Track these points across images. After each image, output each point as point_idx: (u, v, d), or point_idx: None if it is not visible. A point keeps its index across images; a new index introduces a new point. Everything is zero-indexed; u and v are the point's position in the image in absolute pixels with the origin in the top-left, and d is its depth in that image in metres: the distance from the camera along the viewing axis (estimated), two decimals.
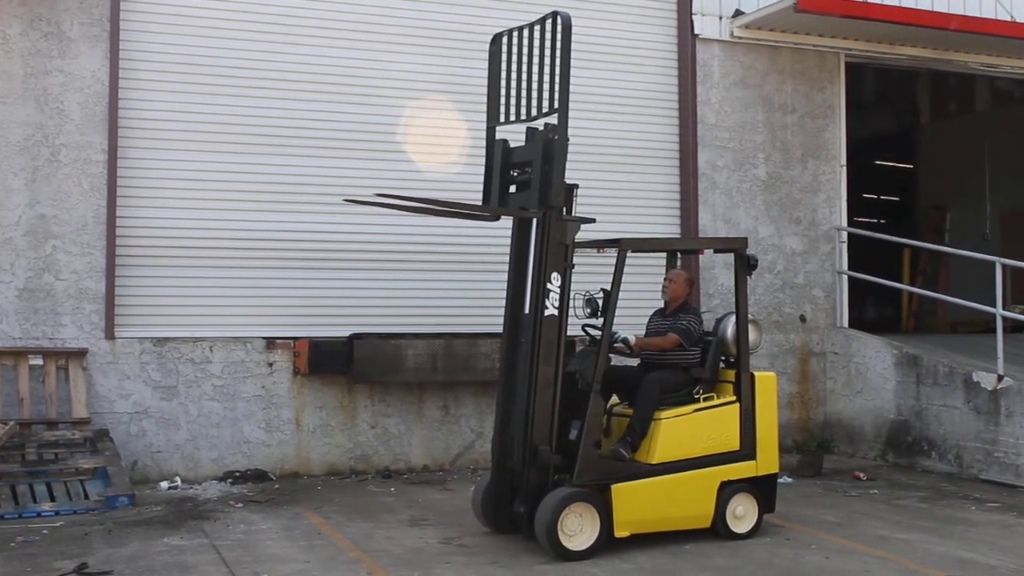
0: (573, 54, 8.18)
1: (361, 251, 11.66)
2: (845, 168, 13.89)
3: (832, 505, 10.02)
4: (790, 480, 11.14)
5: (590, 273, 8.85)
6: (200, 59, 11.19)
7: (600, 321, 8.31)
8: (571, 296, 8.19)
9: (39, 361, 10.44)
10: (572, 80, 8.15)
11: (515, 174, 8.55)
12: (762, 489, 8.67)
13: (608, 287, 8.26)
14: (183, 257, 11.07)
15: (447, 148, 11.74)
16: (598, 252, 8.86)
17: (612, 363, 8.45)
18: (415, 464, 11.79)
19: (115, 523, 8.88)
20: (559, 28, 8.12)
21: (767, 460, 8.70)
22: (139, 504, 9.60)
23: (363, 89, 11.74)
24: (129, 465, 10.54)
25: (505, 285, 8.57)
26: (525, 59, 8.50)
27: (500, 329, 8.63)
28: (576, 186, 8.31)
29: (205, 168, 11.18)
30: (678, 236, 12.95)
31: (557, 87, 8.12)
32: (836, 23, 13.13)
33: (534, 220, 8.26)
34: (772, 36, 13.47)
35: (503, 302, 8.58)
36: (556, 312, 8.07)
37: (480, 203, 8.84)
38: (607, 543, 7.88)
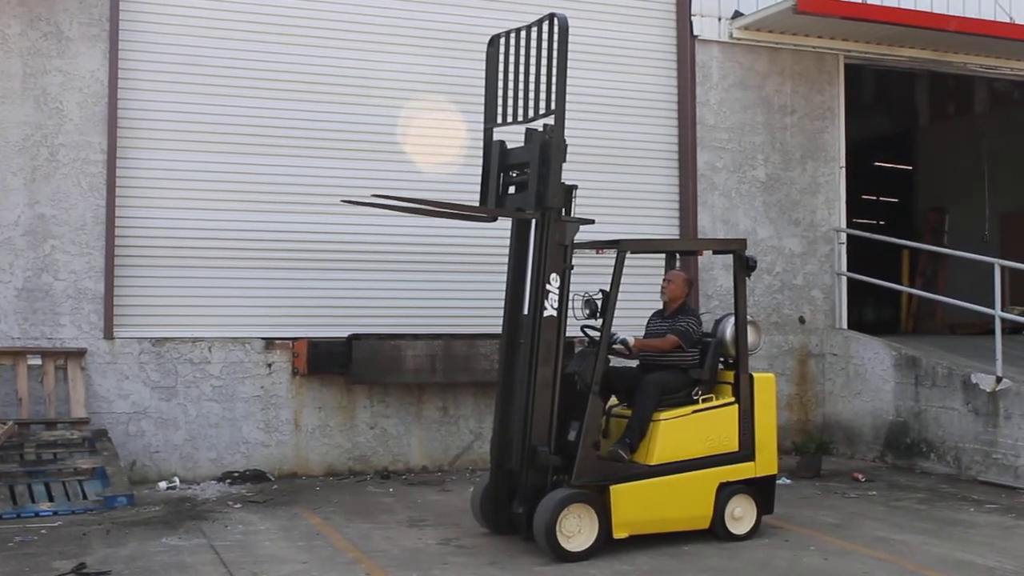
0: (572, 55, 8.19)
1: (360, 251, 11.66)
2: (844, 169, 13.90)
3: (831, 506, 10.02)
4: (789, 481, 11.14)
5: (589, 274, 8.85)
6: (199, 59, 11.20)
7: (599, 322, 8.31)
8: (570, 297, 8.19)
9: (38, 361, 10.44)
10: (571, 81, 8.16)
11: (514, 175, 8.55)
12: (761, 490, 8.67)
13: (607, 288, 8.27)
14: (182, 257, 11.07)
15: (445, 148, 11.75)
16: (597, 253, 8.86)
17: (611, 364, 8.45)
18: (414, 465, 11.79)
19: (113, 523, 8.87)
20: (556, 30, 8.13)
21: (766, 461, 8.70)
22: (137, 504, 9.59)
23: (361, 89, 11.74)
24: (127, 465, 10.53)
25: (504, 286, 8.57)
26: (522, 61, 8.50)
27: (499, 330, 8.63)
28: (575, 187, 8.30)
29: (204, 168, 11.18)
30: (677, 237, 12.95)
31: (554, 88, 8.13)
32: (835, 24, 13.13)
33: (533, 221, 8.27)
34: (771, 37, 13.48)
35: (502, 303, 8.58)
36: (555, 313, 8.07)
37: (477, 204, 8.84)
38: (606, 544, 7.88)
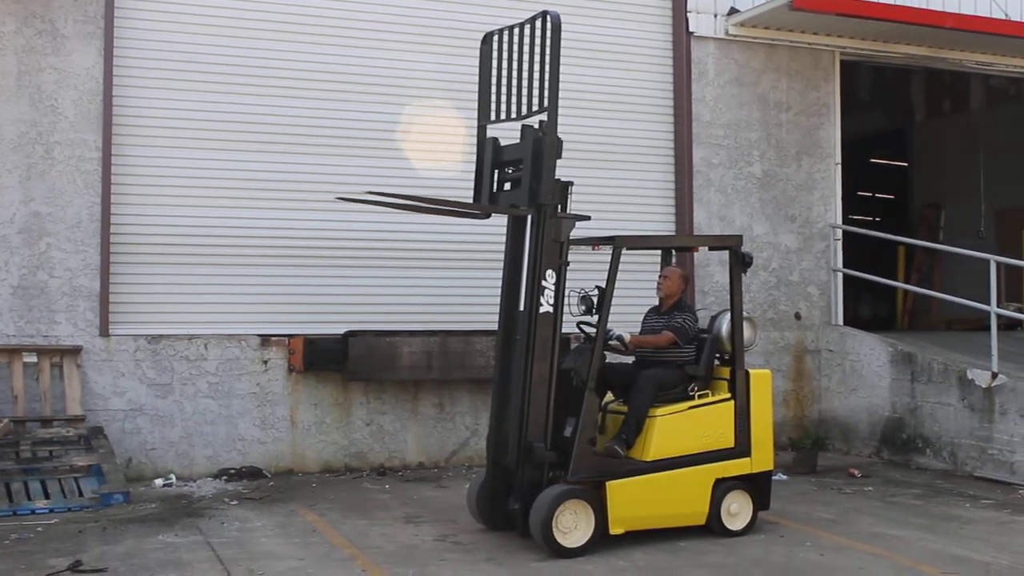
0: (568, 52, 8.21)
1: (356, 248, 11.66)
2: (840, 166, 13.91)
3: (827, 502, 10.03)
4: (785, 477, 11.16)
5: (585, 270, 8.85)
6: (194, 56, 11.18)
7: (595, 318, 8.32)
8: (566, 293, 8.20)
9: (33, 358, 10.42)
10: (567, 78, 8.18)
11: (510, 171, 8.56)
12: (757, 486, 8.68)
13: (603, 284, 8.27)
14: (178, 254, 11.06)
15: (440, 145, 11.76)
16: (593, 249, 8.85)
17: (607, 360, 8.45)
18: (410, 461, 11.79)
19: (109, 520, 8.86)
20: (549, 27, 8.15)
21: (762, 457, 8.71)
22: (133, 501, 9.58)
23: (356, 86, 11.74)
24: (123, 462, 10.53)
25: (500, 282, 8.57)
26: (516, 58, 8.52)
27: (495, 326, 8.62)
28: (571, 183, 8.30)
29: (199, 165, 11.17)
30: (673, 234, 12.95)
31: (547, 85, 8.14)
32: (831, 21, 13.14)
33: (529, 217, 8.27)
34: (767, 34, 13.48)
35: (498, 299, 8.58)
36: (551, 309, 8.07)
37: (472, 200, 8.85)
38: (602, 540, 7.89)
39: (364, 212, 10.84)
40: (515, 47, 8.54)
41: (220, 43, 11.29)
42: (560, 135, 8.15)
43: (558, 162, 8.16)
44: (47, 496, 9.48)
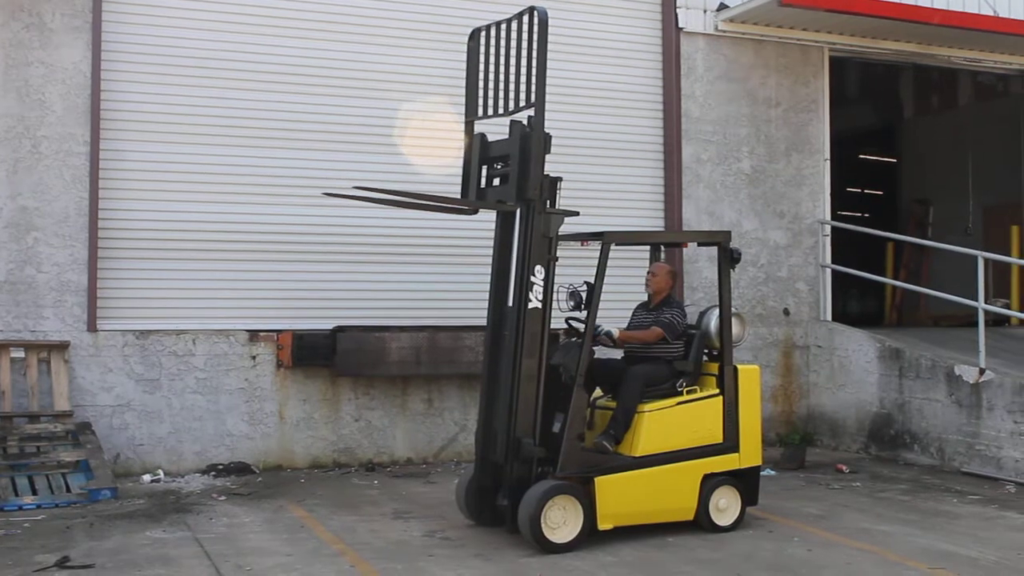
0: (556, 48, 8.22)
1: (344, 243, 11.64)
2: (828, 162, 13.93)
3: (815, 498, 10.05)
4: (773, 473, 11.18)
5: (574, 266, 8.85)
6: (182, 51, 11.15)
7: (583, 314, 8.32)
8: (555, 289, 8.20)
9: (21, 354, 10.39)
10: (556, 74, 8.20)
11: (498, 167, 8.56)
12: (745, 482, 8.69)
13: (592, 280, 8.27)
14: (166, 249, 11.03)
15: (428, 141, 11.72)
16: (582, 245, 8.87)
17: (595, 356, 8.46)
18: (399, 457, 11.78)
19: (97, 516, 8.85)
20: (536, 23, 8.16)
21: (750, 453, 8.72)
22: (121, 497, 9.58)
23: (345, 82, 11.72)
24: (111, 458, 10.51)
25: (489, 278, 8.57)
26: (503, 54, 8.52)
27: (484, 322, 8.62)
28: (560, 179, 8.30)
29: (188, 160, 11.14)
30: (662, 229, 12.96)
31: (535, 81, 8.14)
32: (820, 17, 13.16)
33: (518, 213, 8.27)
34: (756, 30, 13.49)
35: (487, 295, 8.58)
36: (540, 305, 8.07)
37: (460, 196, 8.84)
38: (590, 536, 7.89)
39: (352, 207, 10.79)
40: (502, 43, 8.54)
41: (208, 38, 11.26)
42: (548, 131, 8.16)
43: (546, 158, 8.16)
44: (34, 492, 9.46)
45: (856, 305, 19.10)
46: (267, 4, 11.49)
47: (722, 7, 13.27)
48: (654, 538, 8.17)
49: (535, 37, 8.16)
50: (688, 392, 8.60)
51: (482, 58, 8.76)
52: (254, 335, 11.27)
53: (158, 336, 10.94)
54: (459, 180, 8.80)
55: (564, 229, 8.29)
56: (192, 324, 11.11)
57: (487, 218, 8.91)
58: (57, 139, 10.64)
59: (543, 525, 7.72)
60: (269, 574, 7.20)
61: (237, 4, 11.38)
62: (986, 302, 11.88)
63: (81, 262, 10.67)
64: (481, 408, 8.53)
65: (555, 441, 8.05)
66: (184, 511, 9.16)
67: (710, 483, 8.48)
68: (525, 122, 8.23)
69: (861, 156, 21.71)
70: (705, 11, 13.27)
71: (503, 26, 8.58)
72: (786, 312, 13.55)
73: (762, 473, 9.12)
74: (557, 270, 8.20)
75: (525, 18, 8.32)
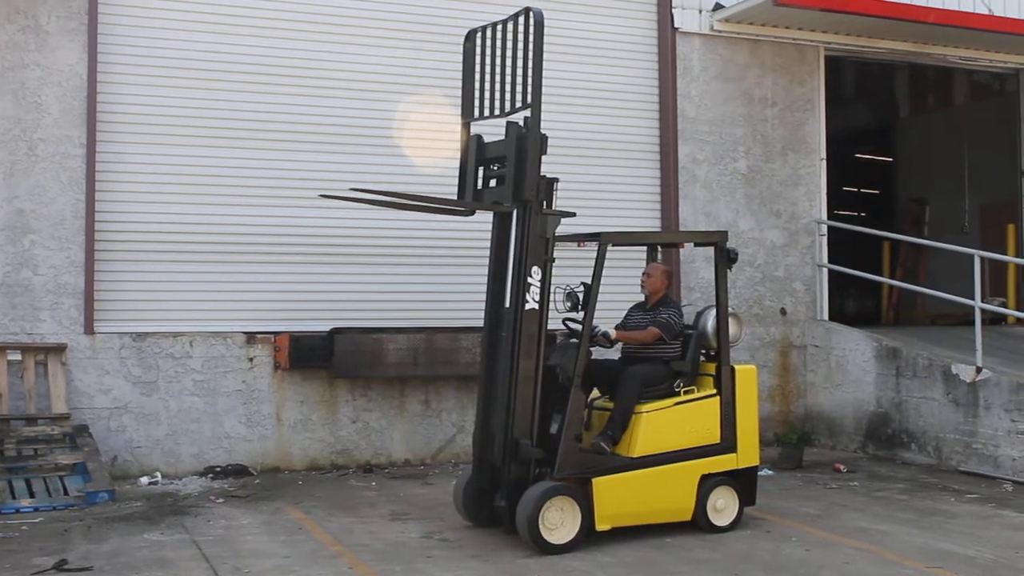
0: (552, 48, 8.23)
1: (341, 245, 11.64)
2: (825, 161, 13.94)
3: (812, 497, 10.06)
4: (771, 473, 11.19)
5: (570, 267, 8.85)
6: (179, 53, 11.14)
7: (580, 315, 8.32)
8: (551, 290, 8.20)
9: (17, 356, 10.39)
10: (552, 74, 8.20)
11: (495, 168, 8.56)
12: (743, 482, 8.69)
13: (588, 281, 8.28)
14: (162, 251, 11.02)
15: (424, 142, 11.72)
16: (578, 246, 8.88)
17: (593, 357, 8.46)
18: (396, 458, 11.78)
19: (95, 519, 8.84)
20: (532, 24, 8.16)
21: (748, 453, 8.73)
22: (119, 500, 9.57)
23: (341, 83, 11.72)
24: (109, 461, 10.50)
25: (486, 279, 8.57)
26: (499, 55, 8.52)
27: (481, 323, 8.62)
28: (557, 180, 8.31)
29: (184, 162, 11.13)
30: (659, 230, 12.96)
31: (530, 82, 8.14)
32: (816, 17, 13.17)
33: (514, 214, 8.27)
34: (752, 30, 13.50)
35: (484, 296, 8.57)
36: (536, 306, 8.07)
37: (456, 197, 8.84)
38: (588, 537, 7.90)
39: (349, 209, 10.80)
40: (498, 44, 8.54)
41: (205, 40, 11.26)
42: (545, 131, 8.16)
43: (543, 158, 8.16)
44: (32, 495, 9.45)
45: (853, 304, 19.08)
46: (264, 7, 11.48)
47: (717, 7, 13.27)
48: (652, 539, 8.17)
49: (531, 38, 8.17)
50: (685, 392, 8.61)
51: (478, 59, 8.77)
52: (251, 337, 11.27)
53: (155, 338, 10.94)
54: (455, 181, 8.80)
55: (561, 230, 8.29)
56: (189, 326, 11.10)
57: (484, 219, 8.90)
58: (53, 141, 10.64)
59: (541, 526, 7.72)
60: None
61: (234, 7, 11.37)
62: (983, 301, 11.88)
63: (78, 264, 10.66)
64: (479, 409, 8.53)
65: (553, 442, 8.04)
66: (182, 513, 9.15)
67: (708, 483, 8.48)
68: (521, 123, 8.23)
69: (857, 155, 21.72)
70: (701, 11, 13.28)
71: (499, 27, 8.58)
72: (783, 312, 13.56)
73: (760, 473, 9.13)
74: (554, 271, 8.20)
75: (521, 19, 8.32)
